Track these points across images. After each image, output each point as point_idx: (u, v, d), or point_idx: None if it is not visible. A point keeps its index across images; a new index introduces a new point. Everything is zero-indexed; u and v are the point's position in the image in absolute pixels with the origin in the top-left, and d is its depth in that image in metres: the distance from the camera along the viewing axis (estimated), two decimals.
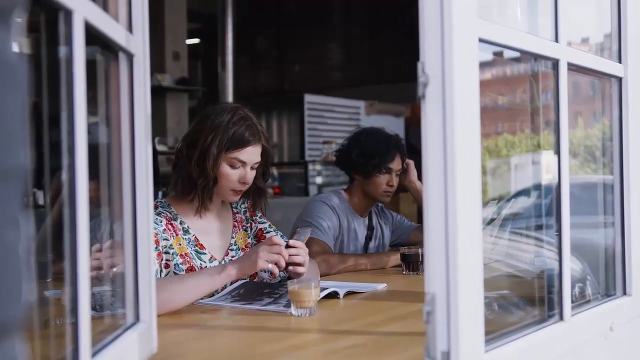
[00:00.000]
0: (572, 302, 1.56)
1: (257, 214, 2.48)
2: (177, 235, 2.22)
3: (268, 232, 2.47)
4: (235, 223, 2.41)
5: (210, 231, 2.32)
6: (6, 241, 0.54)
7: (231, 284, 2.20)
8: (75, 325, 1.03)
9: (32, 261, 0.59)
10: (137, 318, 1.39)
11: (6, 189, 0.55)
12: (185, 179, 2.24)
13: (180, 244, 2.21)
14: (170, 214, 2.25)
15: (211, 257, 2.28)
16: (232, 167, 2.23)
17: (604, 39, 2.06)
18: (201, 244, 2.27)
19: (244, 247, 2.40)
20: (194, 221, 2.29)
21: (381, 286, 2.37)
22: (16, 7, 0.55)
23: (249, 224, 2.46)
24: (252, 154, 2.25)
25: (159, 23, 7.03)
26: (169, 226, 2.20)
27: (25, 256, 0.57)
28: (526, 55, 1.61)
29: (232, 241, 2.37)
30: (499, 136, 2.05)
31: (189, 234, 2.25)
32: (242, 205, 2.46)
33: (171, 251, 2.17)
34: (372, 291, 2.29)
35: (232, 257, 2.33)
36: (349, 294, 2.20)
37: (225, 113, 2.24)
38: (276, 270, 2.08)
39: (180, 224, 2.25)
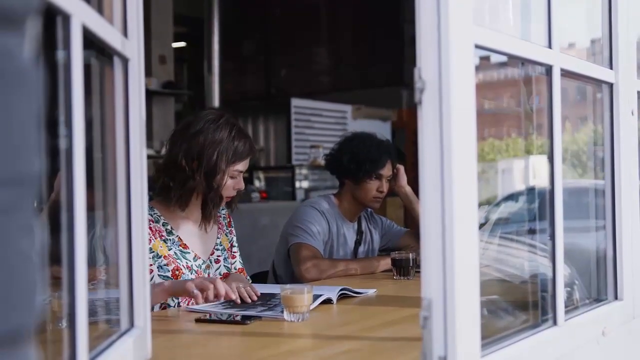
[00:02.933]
0: (566, 307, 1.56)
1: (232, 224, 2.56)
2: (157, 238, 2.25)
3: (234, 245, 2.57)
4: (220, 225, 2.49)
5: (194, 233, 2.37)
6: (21, 248, 0.54)
7: None
8: (72, 331, 1.02)
9: (44, 267, 0.59)
10: (131, 324, 1.38)
11: (20, 195, 0.54)
12: (189, 192, 2.28)
13: (161, 246, 2.25)
14: (152, 216, 2.27)
15: (195, 256, 2.33)
16: (232, 177, 2.32)
17: (591, 44, 2.08)
18: (185, 244, 2.32)
19: (228, 248, 2.48)
20: (179, 223, 2.34)
21: (371, 291, 2.37)
22: (30, 13, 0.55)
23: (228, 230, 2.54)
24: (247, 163, 2.37)
25: (145, 26, 6.97)
26: (149, 229, 2.22)
27: (38, 262, 0.57)
28: (513, 60, 1.62)
29: (218, 241, 2.45)
30: (485, 141, 2.06)
31: (173, 235, 2.30)
32: (222, 211, 2.53)
33: (151, 254, 2.20)
34: (364, 296, 2.29)
35: (218, 256, 2.42)
36: (342, 297, 2.20)
37: (222, 128, 2.29)
38: (200, 298, 1.97)
39: (163, 225, 2.30)
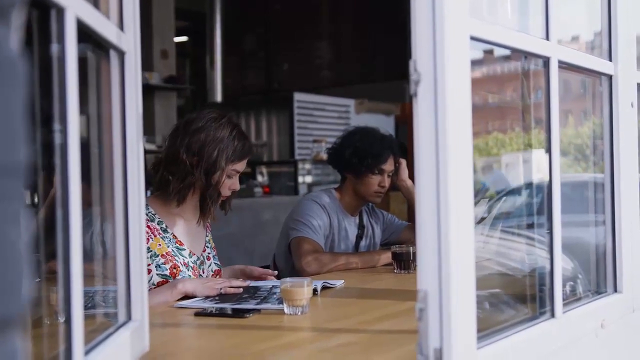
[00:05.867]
0: (563, 300, 1.56)
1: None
2: (155, 236, 2.28)
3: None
4: (208, 224, 2.52)
5: (187, 230, 2.41)
6: (8, 237, 0.54)
7: None
8: (68, 324, 1.02)
9: (32, 257, 0.59)
10: (129, 316, 1.38)
11: (8, 185, 0.55)
12: (187, 188, 2.31)
13: (160, 245, 2.29)
14: (147, 215, 2.29)
15: (190, 252, 2.37)
16: (229, 177, 2.35)
17: (594, 37, 2.07)
18: (180, 241, 2.35)
19: (214, 247, 2.53)
20: (172, 220, 2.37)
21: (340, 282, 2.41)
22: (16, 4, 0.55)
23: (211, 230, 2.58)
24: (244, 164, 2.40)
25: (146, 21, 7.00)
26: (146, 228, 2.24)
27: (26, 253, 0.57)
28: (517, 53, 1.62)
29: (207, 239, 2.50)
30: (489, 135, 2.05)
31: (168, 232, 2.33)
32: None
33: (149, 254, 2.22)
34: (361, 289, 2.31)
35: (208, 253, 2.47)
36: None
37: (224, 127, 2.33)
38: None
39: (158, 224, 2.33)
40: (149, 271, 2.21)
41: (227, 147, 2.30)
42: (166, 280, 2.23)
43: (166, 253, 2.27)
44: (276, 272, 2.54)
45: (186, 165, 2.27)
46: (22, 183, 0.57)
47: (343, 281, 2.44)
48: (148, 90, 7.28)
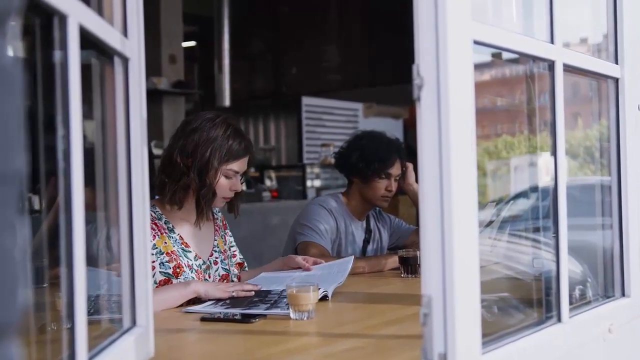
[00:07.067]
0: (572, 304, 1.56)
1: (227, 227, 2.59)
2: (162, 234, 2.30)
3: (232, 245, 2.60)
4: (217, 228, 2.51)
5: (194, 233, 2.40)
6: (3, 245, 0.54)
7: None
8: (71, 330, 1.02)
9: (28, 265, 0.59)
10: (133, 322, 1.39)
11: (4, 193, 0.55)
12: (183, 189, 2.30)
13: (165, 243, 2.29)
14: (155, 213, 2.31)
15: (196, 256, 2.37)
16: (227, 177, 2.33)
17: (602, 40, 2.06)
18: (186, 243, 2.35)
19: (223, 250, 2.50)
20: (178, 223, 2.37)
21: (349, 259, 2.47)
22: (12, 11, 0.55)
23: (225, 233, 2.56)
24: (244, 164, 2.37)
25: (154, 26, 6.98)
26: (153, 225, 2.27)
27: (21, 260, 0.57)
28: (524, 57, 1.61)
29: (215, 243, 2.48)
30: (499, 137, 2.05)
31: (174, 233, 2.34)
32: (219, 213, 2.57)
33: (154, 251, 2.23)
34: (370, 293, 2.30)
35: (216, 258, 2.45)
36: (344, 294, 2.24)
37: (218, 126, 2.32)
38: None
39: (165, 223, 2.34)
40: (152, 268, 2.20)
41: (221, 146, 2.29)
42: (169, 279, 2.23)
43: (171, 252, 2.27)
44: (310, 265, 2.52)
45: (181, 167, 2.28)
46: (19, 190, 0.57)
47: (352, 256, 2.50)
48: (156, 95, 7.28)
